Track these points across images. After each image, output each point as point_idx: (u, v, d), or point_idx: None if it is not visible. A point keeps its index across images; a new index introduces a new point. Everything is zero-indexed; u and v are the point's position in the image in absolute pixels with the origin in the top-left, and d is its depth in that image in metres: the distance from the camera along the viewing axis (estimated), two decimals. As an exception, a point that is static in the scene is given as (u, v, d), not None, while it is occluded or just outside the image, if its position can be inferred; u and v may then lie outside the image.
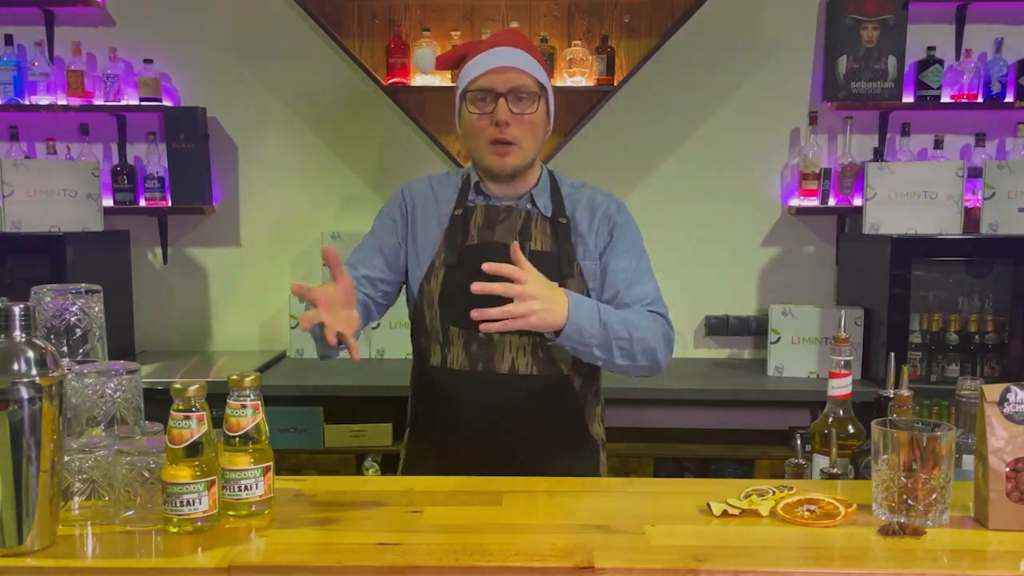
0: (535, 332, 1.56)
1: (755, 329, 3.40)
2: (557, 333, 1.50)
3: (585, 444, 1.73)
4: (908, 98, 3.25)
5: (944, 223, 3.01)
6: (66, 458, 1.18)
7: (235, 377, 1.21)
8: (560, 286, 1.62)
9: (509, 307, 1.42)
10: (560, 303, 1.48)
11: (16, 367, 1.06)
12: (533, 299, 1.43)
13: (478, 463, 1.60)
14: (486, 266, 1.42)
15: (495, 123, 1.62)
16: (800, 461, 1.54)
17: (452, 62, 1.78)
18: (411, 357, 1.81)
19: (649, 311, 1.64)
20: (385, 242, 1.75)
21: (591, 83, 3.16)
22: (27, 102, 3.26)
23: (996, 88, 3.20)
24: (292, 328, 3.29)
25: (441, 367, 1.68)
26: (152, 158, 3.31)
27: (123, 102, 3.28)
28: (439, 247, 1.70)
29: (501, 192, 1.71)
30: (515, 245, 1.47)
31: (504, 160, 1.64)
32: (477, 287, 1.41)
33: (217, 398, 1.22)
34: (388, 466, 2.95)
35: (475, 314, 1.41)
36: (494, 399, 1.64)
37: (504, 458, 1.62)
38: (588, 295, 1.67)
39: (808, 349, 3.11)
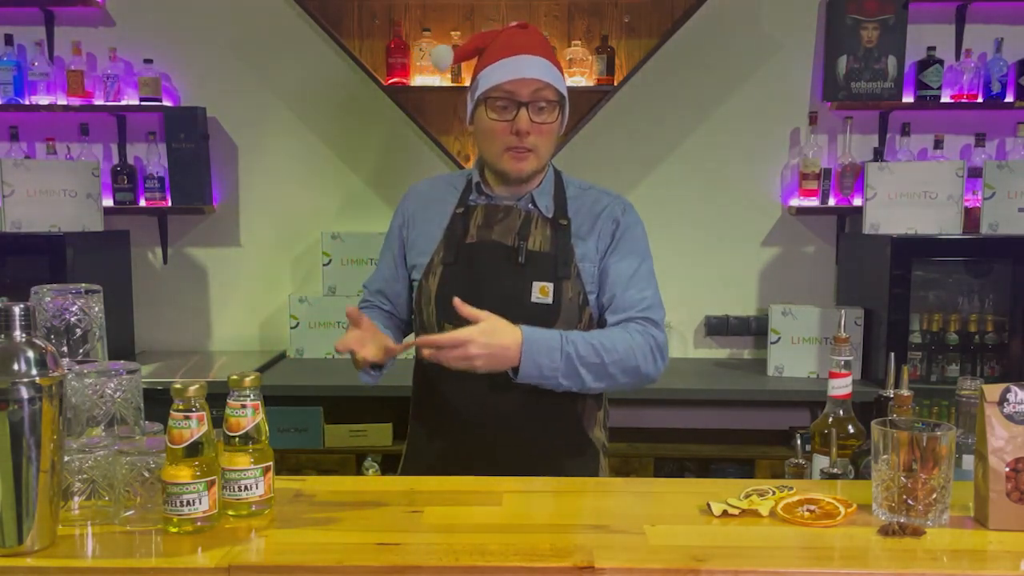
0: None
1: (755, 329, 3.39)
2: (516, 372, 1.54)
3: (584, 448, 1.73)
4: (908, 98, 3.25)
5: (944, 223, 3.01)
6: (66, 458, 1.18)
7: (235, 377, 1.21)
8: (556, 286, 1.63)
9: (446, 356, 1.49)
10: (510, 349, 1.51)
11: (16, 367, 1.06)
12: (473, 355, 1.48)
13: (474, 461, 1.60)
14: (425, 340, 1.52)
15: (515, 132, 1.62)
16: (800, 461, 1.54)
17: (470, 54, 1.76)
18: (411, 357, 1.81)
19: (641, 318, 1.64)
20: (389, 257, 1.82)
21: (591, 83, 3.16)
22: (27, 102, 3.26)
23: (996, 88, 3.20)
24: (292, 328, 3.29)
25: (437, 364, 1.68)
26: (152, 158, 3.31)
27: (123, 102, 3.28)
28: (438, 245, 1.71)
29: (503, 192, 1.72)
30: (456, 301, 1.51)
31: (521, 165, 1.65)
32: (423, 340, 1.53)
33: (217, 398, 1.22)
34: (388, 466, 2.95)
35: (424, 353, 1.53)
36: (488, 399, 1.64)
37: (500, 457, 1.62)
38: (586, 297, 1.67)
39: (808, 349, 3.11)
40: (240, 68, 3.37)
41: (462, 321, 1.63)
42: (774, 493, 1.29)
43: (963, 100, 3.23)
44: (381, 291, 1.82)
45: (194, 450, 1.15)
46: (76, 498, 1.20)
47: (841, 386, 1.52)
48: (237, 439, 1.21)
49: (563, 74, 1.71)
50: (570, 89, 3.06)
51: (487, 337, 1.48)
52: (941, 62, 3.21)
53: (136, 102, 3.27)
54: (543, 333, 1.56)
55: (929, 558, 1.10)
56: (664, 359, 1.66)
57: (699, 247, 3.41)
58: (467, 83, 1.76)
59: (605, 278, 1.68)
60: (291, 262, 3.47)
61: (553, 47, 3.07)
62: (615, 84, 3.15)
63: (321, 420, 3.00)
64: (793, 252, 3.43)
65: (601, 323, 1.71)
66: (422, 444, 1.75)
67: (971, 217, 3.06)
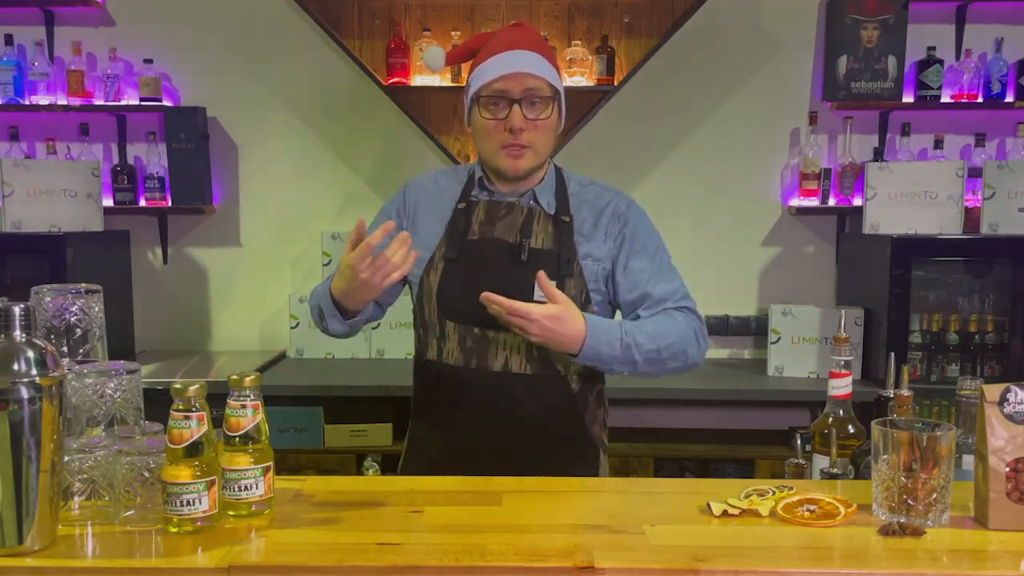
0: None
1: (755, 329, 3.39)
2: (574, 355, 1.57)
3: (584, 446, 1.73)
4: (908, 98, 3.25)
5: (944, 223, 3.00)
6: (66, 458, 1.18)
7: (235, 377, 1.21)
8: (559, 284, 1.63)
9: (507, 319, 1.51)
10: (574, 335, 1.54)
11: (16, 367, 1.06)
12: (532, 332, 1.51)
13: (476, 457, 1.60)
14: (489, 297, 1.51)
15: (509, 129, 1.62)
16: (800, 461, 1.54)
17: (464, 56, 1.77)
18: (411, 357, 1.81)
19: (679, 308, 1.67)
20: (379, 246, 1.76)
21: (591, 83, 3.16)
22: (27, 102, 3.26)
23: (996, 88, 3.20)
24: (292, 328, 3.29)
25: (437, 360, 1.69)
26: (152, 158, 3.31)
27: (123, 102, 3.28)
28: (440, 241, 1.70)
29: (506, 188, 1.71)
30: (541, 275, 1.53)
31: (517, 163, 1.65)
32: (488, 297, 1.50)
33: (217, 398, 1.22)
34: (388, 466, 2.95)
35: (485, 296, 1.51)
36: (487, 396, 1.64)
37: (499, 455, 1.63)
38: (588, 295, 1.67)
39: (808, 349, 3.11)
40: (240, 68, 3.37)
41: (464, 319, 1.64)
42: (774, 493, 1.29)
43: (963, 100, 3.23)
44: None
45: (194, 450, 1.15)
46: (76, 498, 1.20)
47: (841, 386, 1.52)
48: (237, 439, 1.21)
49: (558, 70, 1.70)
50: (570, 89, 3.10)
51: (552, 322, 1.51)
52: (941, 62, 3.21)
53: (136, 102, 3.27)
54: (605, 324, 1.59)
55: (929, 558, 1.10)
56: (706, 342, 1.70)
57: (699, 247, 3.41)
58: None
59: (628, 278, 1.69)
60: (291, 262, 3.47)
61: (553, 47, 3.12)
62: (615, 84, 3.15)
63: (321, 420, 3.00)
64: (793, 252, 3.43)
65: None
66: (423, 441, 1.75)
67: (971, 217, 3.05)
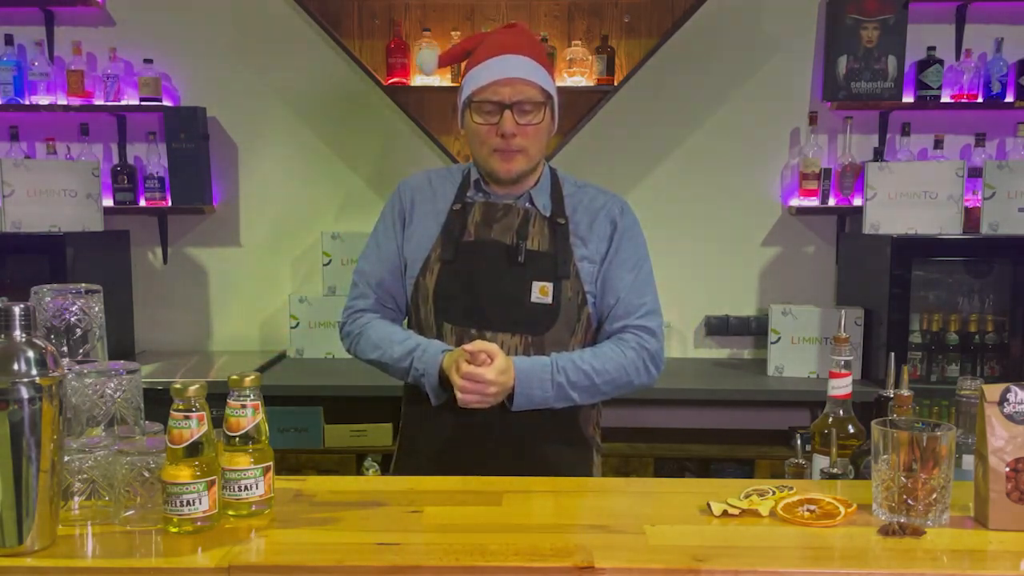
0: (526, 332, 1.64)
1: (755, 329, 3.39)
2: (510, 402, 1.60)
3: (580, 445, 1.73)
4: (908, 98, 3.25)
5: (944, 223, 3.00)
6: (66, 458, 1.18)
7: (235, 377, 1.21)
8: (556, 286, 1.64)
9: (466, 399, 1.55)
10: (512, 383, 1.57)
11: (16, 367, 1.06)
12: (491, 394, 1.55)
13: (467, 458, 1.60)
14: (468, 347, 1.54)
15: (500, 134, 1.62)
16: (800, 461, 1.54)
17: (458, 57, 1.77)
18: None
19: (637, 327, 1.67)
20: (388, 248, 1.76)
21: (591, 83, 3.16)
22: (27, 102, 3.26)
23: (996, 88, 3.20)
24: (292, 328, 3.29)
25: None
26: (152, 158, 3.31)
27: (123, 102, 3.28)
28: (436, 242, 1.70)
29: (502, 190, 1.72)
30: (469, 349, 1.54)
31: (509, 166, 1.65)
32: (464, 376, 1.54)
33: (217, 398, 1.22)
34: (388, 466, 2.94)
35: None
36: None
37: (496, 453, 1.63)
38: (585, 297, 1.67)
39: (808, 349, 3.11)
40: (240, 68, 3.36)
41: (461, 321, 1.64)
42: (774, 493, 1.29)
43: (963, 100, 3.23)
44: (382, 284, 1.76)
45: (194, 450, 1.16)
46: (76, 498, 1.20)
47: (841, 386, 1.52)
48: (237, 439, 1.21)
49: (552, 72, 1.70)
50: (570, 89, 3.12)
51: (504, 376, 1.55)
52: (941, 62, 3.21)
53: (136, 102, 3.27)
54: (535, 365, 1.60)
55: (929, 558, 1.10)
56: (658, 367, 1.70)
57: (699, 247, 3.41)
58: (464, 84, 1.76)
59: (606, 284, 1.69)
60: (291, 262, 3.47)
61: (553, 47, 3.13)
62: (615, 84, 3.15)
63: (321, 420, 3.00)
64: (793, 252, 3.43)
65: (599, 328, 1.72)
66: (416, 441, 1.75)
67: (971, 217, 3.05)
